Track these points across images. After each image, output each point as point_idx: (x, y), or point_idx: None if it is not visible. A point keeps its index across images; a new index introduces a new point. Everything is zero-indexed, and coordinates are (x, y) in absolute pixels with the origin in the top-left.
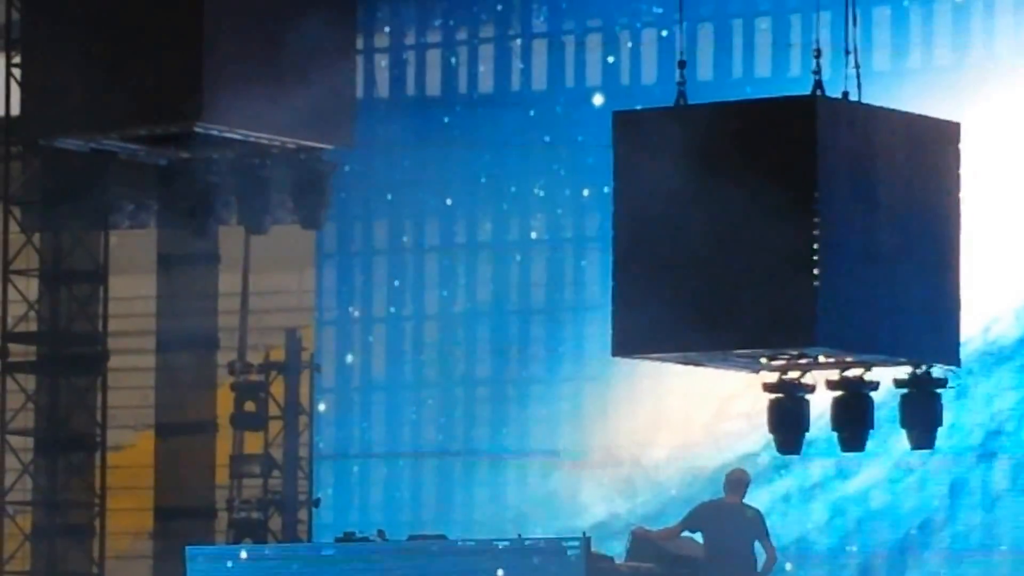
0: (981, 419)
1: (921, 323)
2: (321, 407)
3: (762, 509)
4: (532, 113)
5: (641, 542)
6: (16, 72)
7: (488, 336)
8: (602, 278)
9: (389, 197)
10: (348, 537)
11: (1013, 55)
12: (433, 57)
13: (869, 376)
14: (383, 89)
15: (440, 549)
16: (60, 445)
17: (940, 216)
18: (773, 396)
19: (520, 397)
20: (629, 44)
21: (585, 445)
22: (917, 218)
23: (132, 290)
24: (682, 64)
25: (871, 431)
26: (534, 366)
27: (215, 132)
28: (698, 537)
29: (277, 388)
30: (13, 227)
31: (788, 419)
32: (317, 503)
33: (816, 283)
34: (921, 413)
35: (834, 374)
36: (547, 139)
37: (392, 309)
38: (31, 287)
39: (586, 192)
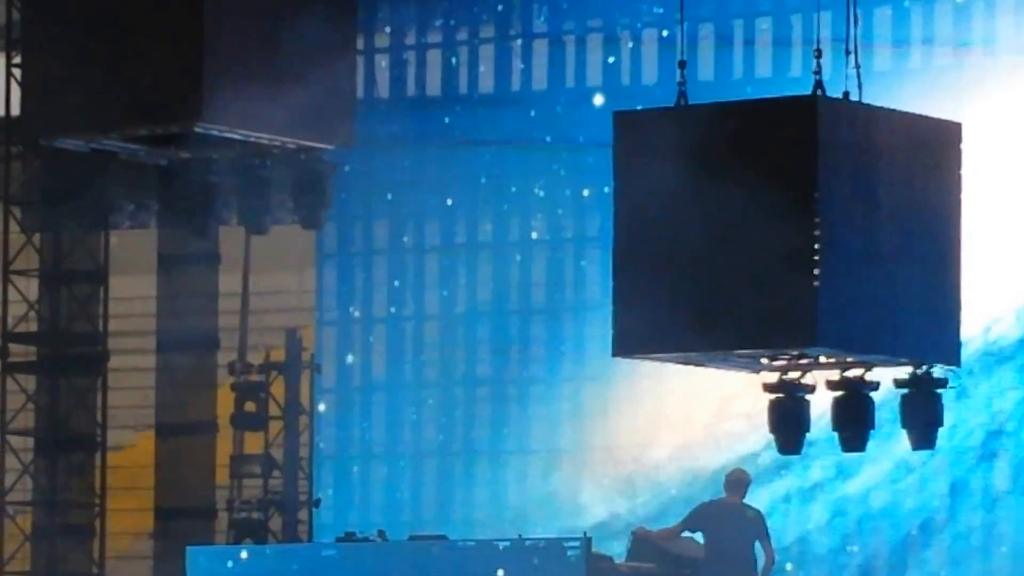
0: (982, 419)
1: (922, 323)
2: (321, 407)
3: (763, 509)
4: (533, 113)
5: (642, 542)
6: (16, 72)
7: (488, 336)
8: (602, 278)
9: (389, 197)
10: (348, 537)
11: (1014, 55)
12: (433, 57)
13: (870, 376)
14: (383, 89)
15: (440, 549)
16: (60, 445)
17: (941, 216)
18: (773, 396)
19: (520, 397)
20: (630, 44)
21: (585, 445)
22: (918, 218)
23: (132, 290)
24: (683, 64)
25: (872, 431)
26: (534, 366)
27: (215, 132)
28: (699, 537)
29: (277, 388)
30: (13, 227)
31: (789, 419)
32: (317, 503)
33: (816, 283)
34: (922, 413)
35: (834, 374)
36: (548, 139)
37: (392, 309)
38: (31, 287)
39: (586, 192)
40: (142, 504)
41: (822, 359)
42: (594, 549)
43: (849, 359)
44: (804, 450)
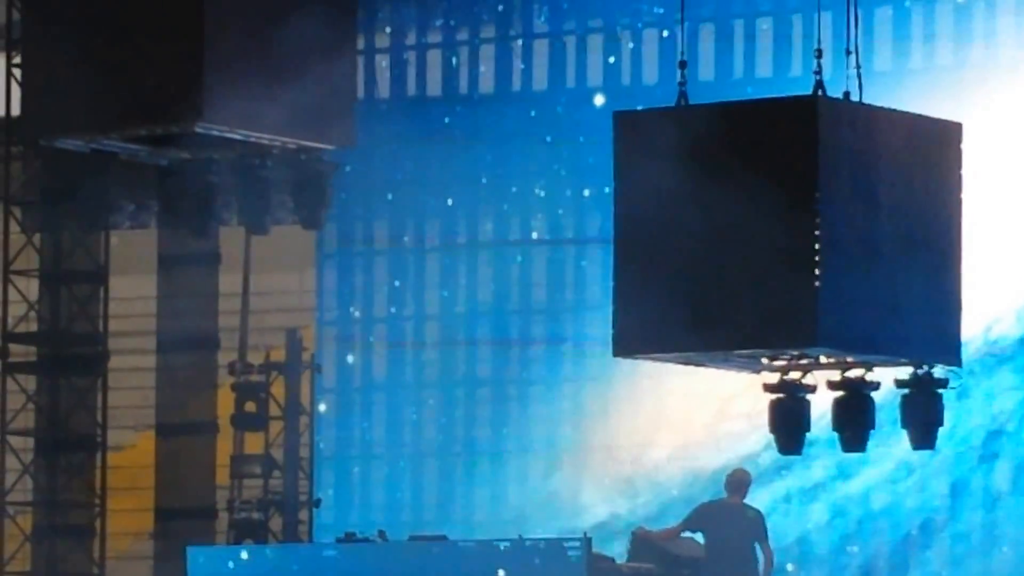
0: (982, 419)
1: (922, 323)
2: (322, 407)
3: (763, 509)
4: (533, 113)
5: (642, 542)
6: (16, 72)
7: (489, 336)
8: (602, 278)
9: (390, 197)
10: (349, 537)
11: (1014, 55)
12: (434, 57)
13: (870, 376)
14: (384, 89)
15: (441, 549)
16: (60, 445)
17: (941, 216)
18: (774, 396)
19: (520, 397)
20: (630, 44)
21: (585, 445)
22: (918, 218)
23: (132, 290)
24: (683, 64)
25: (872, 431)
26: (534, 366)
27: (215, 132)
28: (699, 537)
29: (278, 388)
30: (13, 227)
31: (789, 419)
32: (318, 503)
33: (817, 283)
34: (922, 413)
35: (835, 374)
36: (548, 139)
37: (393, 309)
38: (31, 287)
39: (587, 192)
40: (142, 504)
41: (822, 359)
42: (594, 549)
43: (849, 359)
44: (804, 450)
